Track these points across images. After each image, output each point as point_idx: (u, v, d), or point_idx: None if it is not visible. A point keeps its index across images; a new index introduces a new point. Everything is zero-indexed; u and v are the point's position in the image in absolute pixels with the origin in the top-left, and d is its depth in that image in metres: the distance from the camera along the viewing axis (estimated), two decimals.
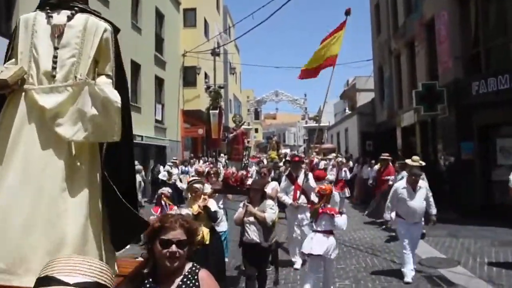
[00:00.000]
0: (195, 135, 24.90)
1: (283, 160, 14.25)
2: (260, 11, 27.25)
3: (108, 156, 2.24)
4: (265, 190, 6.24)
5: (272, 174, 12.51)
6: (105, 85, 2.17)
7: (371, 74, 25.17)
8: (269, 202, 5.42)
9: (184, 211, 5.28)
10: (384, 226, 10.30)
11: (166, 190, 7.48)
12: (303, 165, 7.53)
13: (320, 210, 5.30)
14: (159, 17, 20.21)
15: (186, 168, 16.10)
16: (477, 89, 11.09)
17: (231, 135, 8.12)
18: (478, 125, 11.79)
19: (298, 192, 6.97)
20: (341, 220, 5.32)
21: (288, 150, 27.34)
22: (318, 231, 5.33)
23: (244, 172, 6.80)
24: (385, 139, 19.75)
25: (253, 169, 15.75)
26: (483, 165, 11.71)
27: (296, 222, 7.06)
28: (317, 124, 36.07)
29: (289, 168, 12.77)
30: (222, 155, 17.92)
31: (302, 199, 7.03)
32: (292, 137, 78.23)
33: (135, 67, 16.94)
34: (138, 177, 11.93)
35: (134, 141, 16.14)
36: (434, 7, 13.90)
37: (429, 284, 6.26)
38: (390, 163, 11.56)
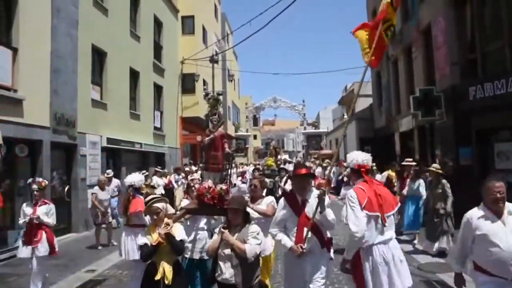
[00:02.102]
0: (194, 142, 24.94)
1: (280, 167, 13.22)
2: (258, 18, 27.40)
3: None
4: (256, 207, 5.27)
5: (269, 183, 11.50)
6: None
7: (369, 80, 25.30)
8: (253, 228, 4.01)
9: (141, 240, 4.21)
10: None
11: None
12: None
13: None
14: (158, 24, 20.32)
15: (179, 177, 14.69)
16: (474, 94, 11.16)
17: (207, 138, 6.52)
18: (476, 130, 11.84)
19: (306, 231, 4.01)
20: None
21: (287, 156, 27.34)
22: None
23: (224, 186, 5.37)
24: (384, 144, 19.83)
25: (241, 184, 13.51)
26: (481, 170, 11.75)
27: (307, 276, 4.08)
28: (315, 130, 36.28)
29: (285, 178, 11.42)
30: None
31: (314, 243, 4.08)
32: (291, 143, 78.35)
33: (134, 74, 17.02)
34: (105, 192, 10.57)
35: (133, 148, 16.33)
36: (430, 14, 14.02)
37: None
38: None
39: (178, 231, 4.20)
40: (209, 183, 5.43)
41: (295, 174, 4.47)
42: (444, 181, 8.34)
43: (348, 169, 4.61)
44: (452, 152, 12.42)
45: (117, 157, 15.34)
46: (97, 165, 13.42)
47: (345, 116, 33.76)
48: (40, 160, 10.52)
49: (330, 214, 4.09)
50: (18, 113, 9.69)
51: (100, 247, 10.06)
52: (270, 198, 5.57)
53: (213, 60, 24.72)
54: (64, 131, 11.56)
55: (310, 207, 4.12)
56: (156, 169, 14.18)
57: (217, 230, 4.15)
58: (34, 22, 10.42)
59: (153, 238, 4.08)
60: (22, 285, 7.04)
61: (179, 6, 23.70)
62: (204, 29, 26.66)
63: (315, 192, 4.22)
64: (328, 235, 4.30)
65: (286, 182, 11.11)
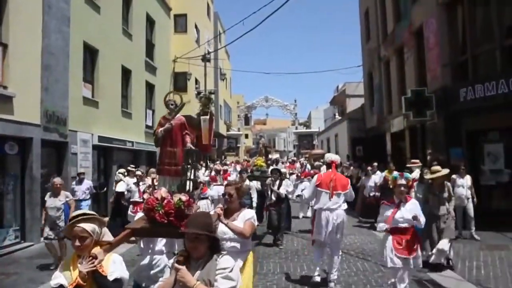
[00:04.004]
0: None
1: (272, 167, 12.04)
2: (251, 17, 27.39)
3: None
4: (231, 224, 4.00)
5: (259, 186, 10.62)
6: None
7: (361, 80, 25.43)
8: (224, 262, 2.58)
9: (55, 279, 2.87)
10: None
11: None
12: None
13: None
14: (150, 23, 20.20)
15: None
16: (465, 95, 11.26)
17: (161, 129, 4.89)
18: (466, 131, 11.95)
19: None
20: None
21: (278, 156, 27.36)
22: None
23: (184, 197, 3.84)
24: (375, 145, 19.93)
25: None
26: (471, 170, 11.85)
27: None
28: (307, 130, 36.44)
29: (278, 181, 10.17)
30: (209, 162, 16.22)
31: None
32: (282, 143, 78.40)
33: (126, 72, 16.90)
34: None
35: (125, 146, 16.19)
36: (422, 15, 14.11)
37: (419, 287, 6.34)
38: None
39: (113, 267, 2.79)
40: (162, 192, 3.94)
41: None
42: (448, 183, 7.83)
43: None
44: (443, 152, 12.53)
45: (108, 155, 15.22)
46: (88, 163, 13.31)
47: (337, 116, 33.90)
48: (30, 157, 10.41)
49: None
50: (8, 110, 9.57)
51: (52, 267, 7.65)
52: (250, 213, 4.21)
53: (205, 59, 24.65)
54: (55, 128, 11.44)
55: None
56: (129, 168, 12.18)
57: (171, 261, 2.88)
58: (25, 18, 10.29)
59: (72, 277, 2.75)
60: (9, 285, 6.97)
61: (172, 5, 23.59)
62: (196, 27, 26.58)
63: None
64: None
65: (280, 185, 9.86)
